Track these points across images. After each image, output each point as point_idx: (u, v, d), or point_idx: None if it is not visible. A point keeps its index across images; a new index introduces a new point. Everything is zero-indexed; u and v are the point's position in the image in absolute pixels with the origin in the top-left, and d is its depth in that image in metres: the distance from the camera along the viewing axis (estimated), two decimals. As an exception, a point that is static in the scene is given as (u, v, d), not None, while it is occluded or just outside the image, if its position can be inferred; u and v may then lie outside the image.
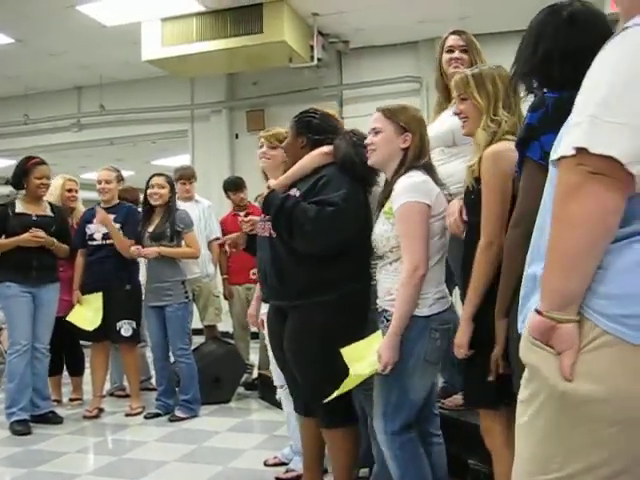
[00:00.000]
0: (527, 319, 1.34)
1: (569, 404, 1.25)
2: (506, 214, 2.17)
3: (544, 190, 1.40)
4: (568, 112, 1.30)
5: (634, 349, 1.19)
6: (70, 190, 5.31)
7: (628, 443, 1.22)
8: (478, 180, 2.26)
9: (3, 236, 4.61)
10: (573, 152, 1.20)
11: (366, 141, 2.62)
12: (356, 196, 2.77)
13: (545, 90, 1.93)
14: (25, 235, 4.53)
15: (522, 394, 1.36)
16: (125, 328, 4.89)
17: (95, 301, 4.86)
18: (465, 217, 2.42)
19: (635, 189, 1.21)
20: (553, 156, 1.29)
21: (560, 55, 1.89)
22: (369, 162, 2.65)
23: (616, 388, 1.21)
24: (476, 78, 2.38)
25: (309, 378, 2.84)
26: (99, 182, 5.00)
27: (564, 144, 1.24)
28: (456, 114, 2.49)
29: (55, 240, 4.69)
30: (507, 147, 2.20)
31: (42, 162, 4.73)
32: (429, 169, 2.58)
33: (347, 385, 2.60)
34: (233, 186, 5.80)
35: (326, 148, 2.87)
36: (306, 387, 2.88)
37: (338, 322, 2.74)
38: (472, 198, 2.31)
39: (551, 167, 1.34)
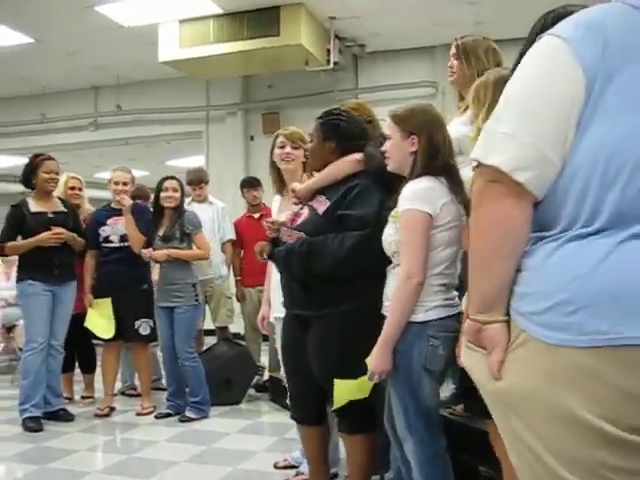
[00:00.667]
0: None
1: (500, 402, 1.31)
2: None
3: None
4: None
5: (539, 345, 1.22)
6: (73, 187, 5.32)
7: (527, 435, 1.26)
8: None
9: (19, 237, 4.63)
10: (475, 163, 1.30)
11: (382, 147, 2.58)
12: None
13: None
14: (45, 234, 4.56)
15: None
16: (143, 327, 4.93)
17: (105, 307, 4.89)
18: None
19: (537, 194, 1.27)
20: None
21: None
22: (388, 168, 2.58)
23: (523, 384, 1.25)
24: (476, 86, 2.39)
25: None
26: (116, 183, 5.01)
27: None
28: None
29: (75, 235, 4.73)
30: None
31: (49, 158, 4.76)
32: (450, 174, 2.46)
33: (362, 392, 2.59)
34: (247, 183, 5.82)
35: (358, 155, 2.76)
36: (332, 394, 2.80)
37: (366, 327, 2.62)
38: None
39: None
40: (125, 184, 5.01)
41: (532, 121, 1.26)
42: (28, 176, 4.71)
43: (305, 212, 2.79)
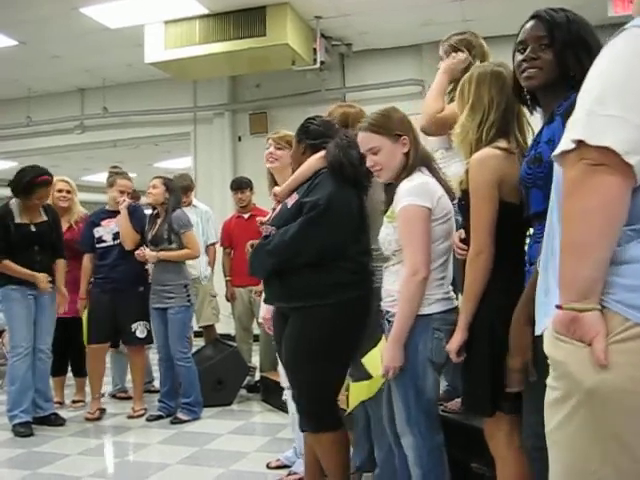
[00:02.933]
0: (549, 317, 1.35)
1: (599, 399, 1.25)
2: (494, 222, 2.15)
3: (552, 190, 1.42)
4: None
5: None
6: (60, 190, 5.29)
7: None
8: (466, 192, 2.24)
9: None
10: (573, 146, 1.25)
11: (368, 163, 2.60)
12: (344, 197, 2.78)
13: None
14: (43, 279, 4.55)
15: (549, 395, 1.36)
16: (140, 329, 4.92)
17: None
18: (460, 243, 2.40)
19: (638, 181, 1.24)
20: (555, 152, 1.31)
21: (586, 60, 1.83)
22: (380, 180, 2.65)
23: (627, 374, 1.21)
24: (461, 85, 2.37)
25: (302, 383, 2.83)
26: (121, 192, 5.04)
27: (564, 140, 1.28)
28: None
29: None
30: (491, 154, 2.17)
31: (48, 182, 4.64)
32: (431, 168, 2.56)
33: (370, 391, 2.60)
34: (235, 184, 5.83)
35: (322, 152, 2.90)
36: (298, 391, 2.87)
37: (336, 326, 2.74)
38: (462, 204, 2.30)
39: (556, 166, 1.37)
40: (128, 193, 5.07)
41: (638, 102, 1.23)
42: (22, 190, 4.57)
43: (278, 208, 2.98)
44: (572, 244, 1.28)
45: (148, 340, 5.03)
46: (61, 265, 4.80)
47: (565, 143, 1.27)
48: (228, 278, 5.79)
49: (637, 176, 1.23)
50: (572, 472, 1.32)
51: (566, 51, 1.92)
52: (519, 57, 2.02)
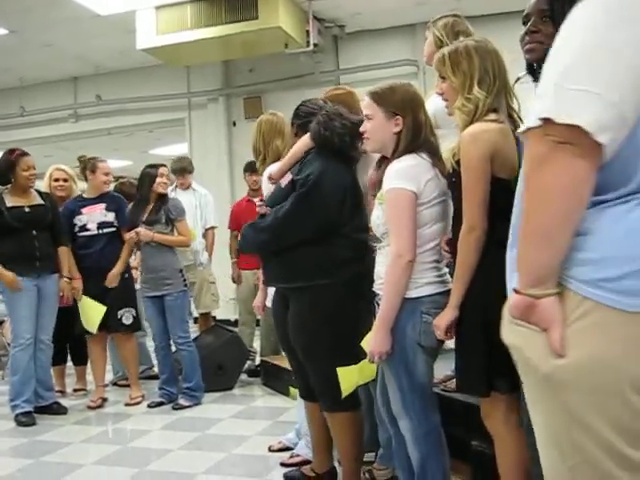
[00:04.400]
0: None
1: (557, 383, 1.20)
2: (487, 197, 2.12)
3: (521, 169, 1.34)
4: None
5: (613, 312, 1.15)
6: (57, 179, 5.27)
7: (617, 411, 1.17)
8: (459, 163, 2.19)
9: None
10: (539, 123, 1.16)
11: (361, 128, 2.57)
12: (334, 171, 2.78)
13: None
14: (8, 277, 4.48)
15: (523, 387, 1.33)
16: (126, 316, 4.91)
17: (98, 312, 4.85)
18: (447, 247, 2.40)
19: (605, 157, 1.16)
20: (520, 129, 1.24)
21: None
22: (367, 149, 2.64)
23: (596, 355, 1.17)
24: (451, 56, 2.27)
25: (313, 362, 2.85)
26: (106, 174, 5.05)
27: (530, 116, 1.19)
28: (439, 94, 2.41)
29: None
30: (484, 128, 2.14)
31: (25, 153, 4.67)
32: (430, 150, 2.45)
33: (366, 374, 2.61)
34: (249, 167, 5.74)
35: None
36: (311, 371, 2.89)
37: (340, 305, 2.75)
38: (453, 181, 2.25)
39: (523, 141, 1.28)
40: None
41: (613, 76, 1.13)
42: (5, 173, 4.60)
43: (273, 188, 3.04)
44: (531, 226, 1.22)
45: (135, 326, 5.01)
46: (64, 253, 4.78)
47: (531, 120, 1.18)
48: (234, 260, 5.76)
49: (607, 154, 1.15)
50: (550, 457, 1.28)
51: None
52: (523, 30, 2.01)
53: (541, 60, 1.97)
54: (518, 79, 2.24)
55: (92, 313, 4.86)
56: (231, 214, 5.84)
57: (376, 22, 7.69)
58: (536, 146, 1.18)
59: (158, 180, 4.83)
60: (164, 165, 5.00)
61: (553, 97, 1.16)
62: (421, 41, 7.10)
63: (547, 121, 1.15)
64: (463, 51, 2.25)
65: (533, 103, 1.23)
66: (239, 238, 3.19)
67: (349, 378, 2.68)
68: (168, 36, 6.98)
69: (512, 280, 1.31)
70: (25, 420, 4.46)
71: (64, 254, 4.78)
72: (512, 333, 1.29)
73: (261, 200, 3.12)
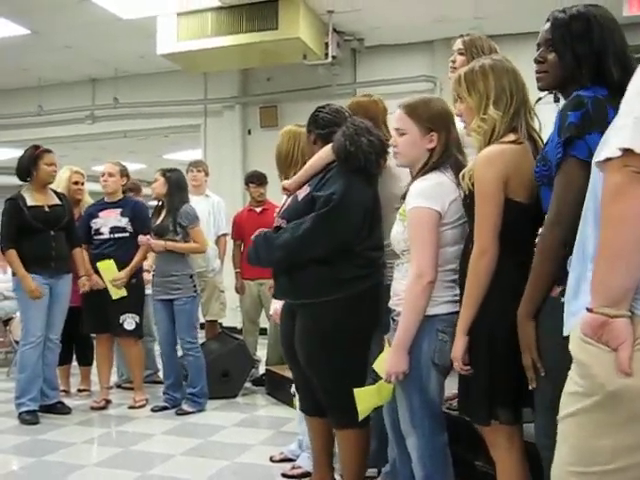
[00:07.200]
0: (578, 318, 1.36)
1: (620, 402, 1.27)
2: (499, 221, 2.08)
3: (586, 192, 1.42)
4: (606, 111, 1.38)
5: None
6: (76, 182, 5.32)
7: None
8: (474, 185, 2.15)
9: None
10: (619, 153, 1.23)
11: (390, 141, 2.54)
12: (357, 191, 2.71)
13: (577, 89, 1.85)
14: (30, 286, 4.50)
15: (570, 387, 1.38)
16: (128, 322, 4.91)
17: (110, 270, 4.86)
18: None
19: None
20: (597, 158, 1.31)
21: (589, 56, 1.87)
22: (396, 164, 2.57)
23: None
24: (467, 76, 2.24)
25: (322, 378, 2.83)
26: (102, 175, 5.05)
27: (609, 146, 1.26)
28: (458, 116, 2.39)
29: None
30: (500, 150, 2.10)
31: (49, 150, 4.75)
32: (457, 167, 2.37)
33: (383, 395, 2.55)
34: (256, 179, 5.75)
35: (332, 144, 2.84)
36: (317, 386, 2.87)
37: (347, 321, 2.73)
38: (467, 203, 2.21)
39: (594, 169, 1.37)
40: (111, 175, 5.04)
41: None
42: (28, 168, 4.66)
43: (289, 200, 2.94)
44: (609, 250, 1.29)
45: (137, 333, 5.00)
46: (78, 253, 4.84)
47: (611, 150, 1.25)
48: (238, 270, 5.77)
49: None
50: (579, 453, 1.35)
51: (565, 50, 1.92)
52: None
53: (551, 88, 2.01)
54: (540, 99, 2.23)
55: (109, 272, 4.87)
56: (233, 224, 5.85)
57: (395, 37, 7.71)
58: (614, 176, 1.26)
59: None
60: (159, 170, 5.00)
61: (632, 129, 1.23)
62: (439, 58, 7.22)
63: (627, 152, 1.22)
64: (479, 71, 2.22)
65: (608, 134, 1.31)
66: (249, 247, 3.09)
67: (367, 399, 2.60)
68: (188, 42, 7.01)
69: (577, 299, 1.39)
70: (29, 418, 4.47)
71: (79, 255, 4.84)
72: (581, 349, 1.35)
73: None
